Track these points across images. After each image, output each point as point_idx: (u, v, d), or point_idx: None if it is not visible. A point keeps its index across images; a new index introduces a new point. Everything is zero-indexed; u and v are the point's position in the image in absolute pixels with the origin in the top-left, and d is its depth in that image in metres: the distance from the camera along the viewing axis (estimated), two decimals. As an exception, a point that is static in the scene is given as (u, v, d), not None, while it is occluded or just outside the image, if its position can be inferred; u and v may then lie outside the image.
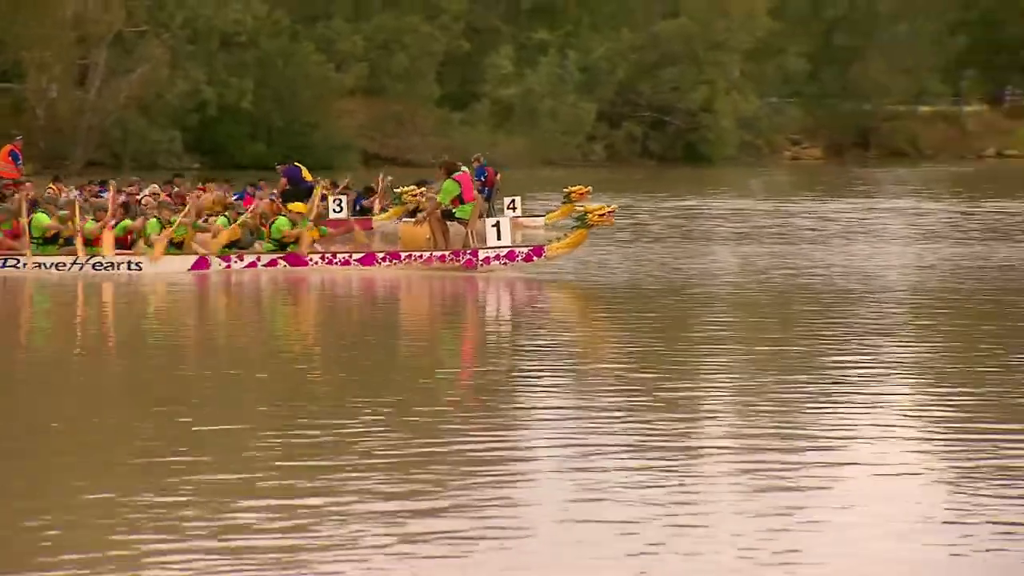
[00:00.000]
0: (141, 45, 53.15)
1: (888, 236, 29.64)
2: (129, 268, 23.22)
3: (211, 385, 12.97)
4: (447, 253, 23.63)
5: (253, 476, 9.16)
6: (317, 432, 10.49)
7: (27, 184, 29.91)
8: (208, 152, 54.64)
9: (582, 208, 23.98)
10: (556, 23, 69.12)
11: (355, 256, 23.76)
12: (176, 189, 28.76)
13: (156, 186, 28.93)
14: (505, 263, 23.52)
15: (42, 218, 23.60)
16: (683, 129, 68.82)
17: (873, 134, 77.66)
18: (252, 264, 23.39)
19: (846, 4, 78.24)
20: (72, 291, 21.58)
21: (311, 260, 23.48)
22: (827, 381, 12.81)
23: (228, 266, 23.38)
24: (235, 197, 28.38)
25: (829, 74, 77.01)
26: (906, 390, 12.70)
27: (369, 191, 30.50)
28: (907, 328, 16.81)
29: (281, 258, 23.36)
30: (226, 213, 24.63)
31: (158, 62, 52.53)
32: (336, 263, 23.56)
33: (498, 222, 23.89)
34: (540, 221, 30.95)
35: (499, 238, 23.71)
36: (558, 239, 23.85)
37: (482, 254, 23.61)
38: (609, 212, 22.90)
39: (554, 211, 31.15)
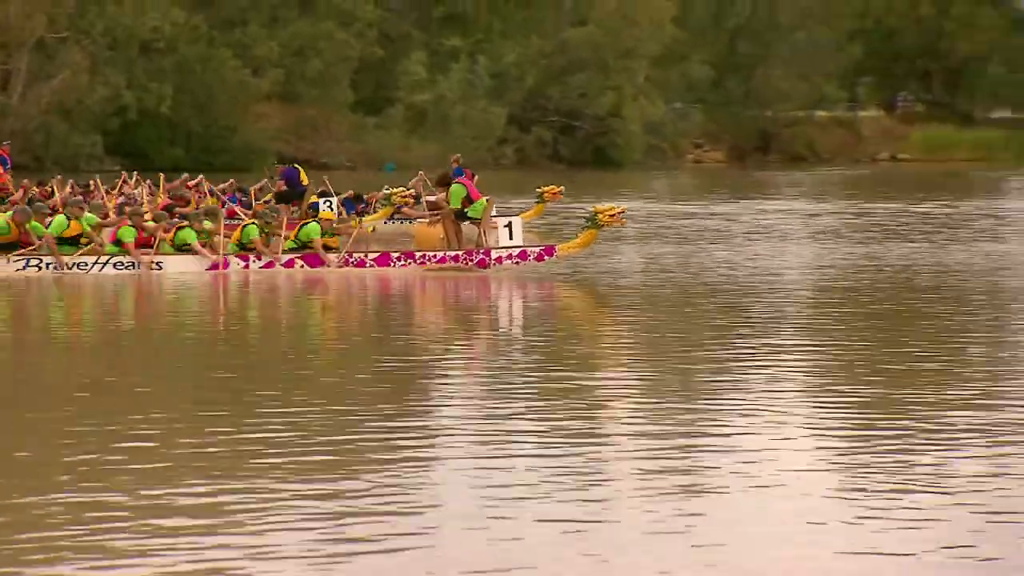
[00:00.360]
0: (62, 51, 54.30)
1: (787, 236, 30.22)
2: (150, 268, 23.26)
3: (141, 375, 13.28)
4: (461, 253, 23.73)
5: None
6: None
7: (25, 182, 30.39)
8: (128, 155, 55.61)
9: (592, 209, 23.56)
10: (467, 30, 70.58)
11: (371, 256, 23.79)
12: (180, 193, 29.32)
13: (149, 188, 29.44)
14: (517, 262, 23.60)
15: (61, 220, 23.56)
16: (591, 134, 70.42)
17: (773, 139, 79.70)
18: (270, 264, 23.39)
19: (748, 14, 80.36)
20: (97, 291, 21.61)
21: (328, 261, 23.56)
22: (729, 378, 12.98)
23: (246, 266, 23.39)
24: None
25: (732, 81, 79.23)
26: (806, 389, 12.68)
27: (358, 199, 30.75)
28: (807, 325, 17.19)
29: (299, 258, 23.46)
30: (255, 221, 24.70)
31: (79, 68, 53.74)
32: (352, 263, 23.53)
33: (510, 222, 23.94)
34: (347, 227, 31.35)
35: (511, 238, 23.84)
36: (570, 239, 23.98)
37: (495, 254, 23.71)
38: (619, 213, 22.95)
39: (528, 211, 31.27)
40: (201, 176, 31.47)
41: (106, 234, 23.76)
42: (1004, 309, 19.12)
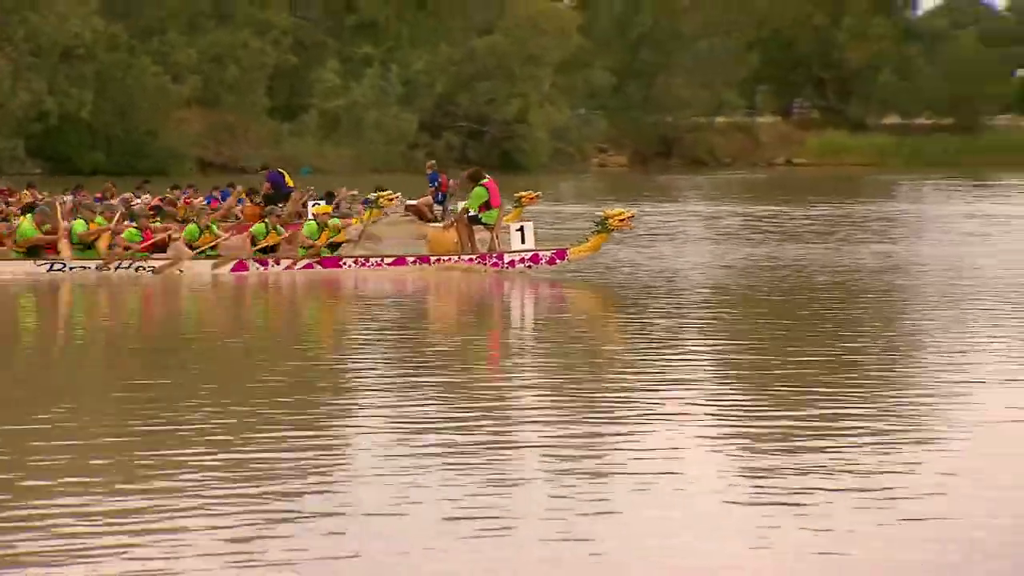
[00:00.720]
0: (-16, 57, 55.18)
1: (688, 237, 30.77)
2: (154, 271, 23.30)
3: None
4: (474, 256, 23.84)
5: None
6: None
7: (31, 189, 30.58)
8: (50, 159, 57.35)
9: (602, 214, 23.77)
10: (379, 39, 71.95)
11: (387, 259, 23.90)
12: (167, 196, 29.92)
13: (148, 196, 29.64)
14: (530, 266, 23.68)
15: (80, 224, 23.77)
16: (499, 138, 71.88)
17: (675, 144, 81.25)
18: (289, 267, 23.55)
19: (649, 23, 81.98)
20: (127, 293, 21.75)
21: (344, 263, 23.68)
22: (632, 374, 13.29)
23: (265, 268, 23.52)
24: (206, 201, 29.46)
25: (634, 88, 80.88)
26: (708, 387, 12.86)
27: (329, 196, 30.69)
28: (708, 323, 17.63)
29: (316, 261, 23.60)
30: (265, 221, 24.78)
31: (2, 73, 54.93)
32: (369, 265, 23.70)
33: (522, 227, 24.12)
34: (347, 221, 31.48)
35: (523, 242, 23.99)
36: (580, 243, 24.07)
37: (507, 257, 23.84)
38: (628, 217, 23.22)
39: (507, 214, 31.75)
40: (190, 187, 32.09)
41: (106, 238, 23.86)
42: (894, 306, 19.64)
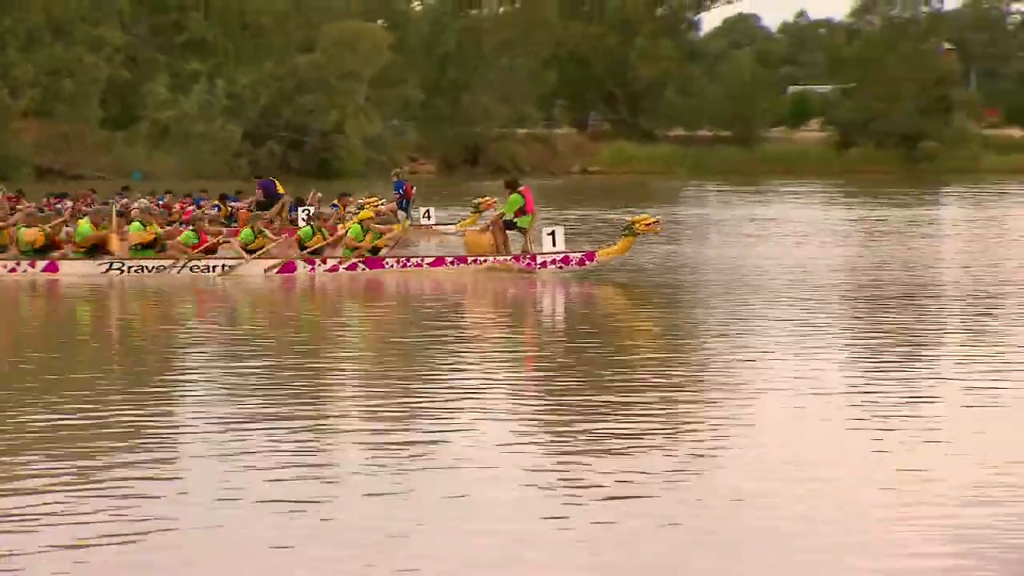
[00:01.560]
0: None
1: None
2: (223, 270, 23.69)
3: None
4: (509, 258, 24.10)
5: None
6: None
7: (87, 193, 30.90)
8: None
9: (630, 219, 24.19)
10: (206, 55, 73.92)
11: (427, 260, 24.27)
12: (164, 200, 31.17)
13: (145, 200, 30.06)
14: (560, 267, 23.84)
15: (136, 226, 24.26)
16: (318, 147, 73.68)
17: (480, 153, 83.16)
18: (334, 268, 23.77)
19: (454, 43, 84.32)
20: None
21: (387, 263, 23.97)
22: (419, 366, 14.47)
23: (312, 269, 23.74)
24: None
25: (442, 102, 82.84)
26: (500, 377, 13.83)
27: (299, 201, 30.86)
28: (503, 318, 19.00)
29: (361, 261, 23.82)
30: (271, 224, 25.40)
31: None
32: (410, 266, 23.95)
33: (553, 231, 24.37)
34: (452, 228, 31.51)
35: (554, 244, 24.16)
36: (608, 246, 24.57)
37: (540, 259, 24.00)
38: (655, 222, 23.79)
39: (466, 219, 31.54)
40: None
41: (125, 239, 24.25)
42: (681, 305, 20.65)
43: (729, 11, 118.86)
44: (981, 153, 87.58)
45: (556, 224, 26.08)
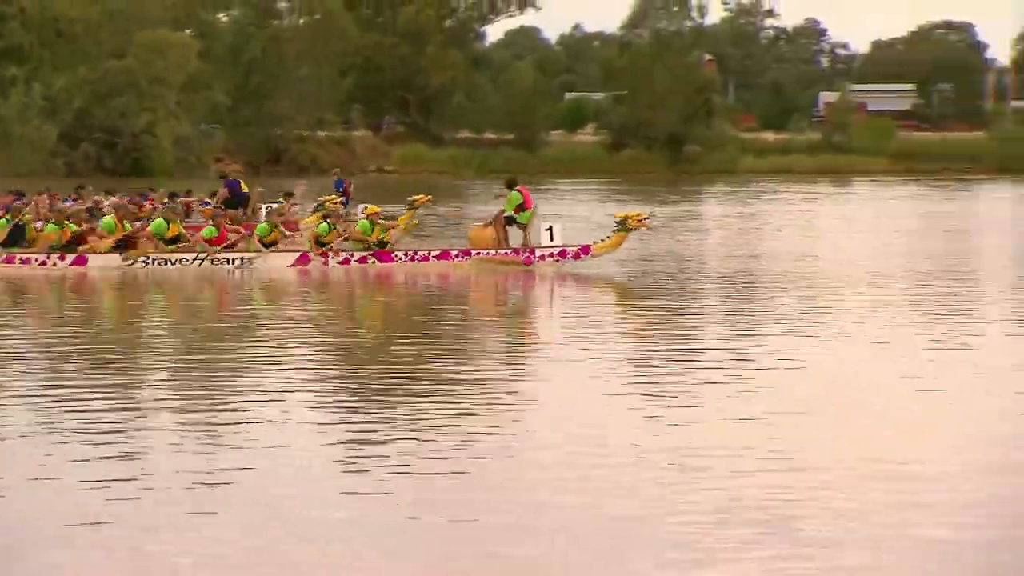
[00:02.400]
0: None
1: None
2: (241, 263, 23.71)
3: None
4: (510, 251, 24.23)
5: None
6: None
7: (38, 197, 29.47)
8: None
9: (621, 215, 24.47)
10: (23, 61, 74.32)
11: (434, 254, 24.28)
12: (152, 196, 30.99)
13: (116, 198, 30.01)
14: (558, 260, 23.95)
15: (161, 224, 24.29)
16: (130, 148, 74.33)
17: (283, 154, 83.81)
18: (346, 261, 23.85)
19: (259, 50, 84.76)
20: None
21: (396, 256, 24.03)
22: (248, 360, 14.71)
23: (325, 262, 23.74)
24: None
25: (246, 106, 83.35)
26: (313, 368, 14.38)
27: (288, 195, 30.83)
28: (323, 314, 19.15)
29: (371, 255, 23.93)
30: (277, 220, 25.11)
31: None
32: (417, 259, 23.98)
33: (551, 226, 24.52)
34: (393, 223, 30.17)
35: (552, 239, 24.32)
36: (602, 240, 24.61)
37: (539, 252, 24.11)
38: (646, 218, 24.09)
39: (403, 215, 30.15)
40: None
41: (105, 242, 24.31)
42: (464, 299, 21.34)
43: (512, 23, 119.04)
44: (739, 155, 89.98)
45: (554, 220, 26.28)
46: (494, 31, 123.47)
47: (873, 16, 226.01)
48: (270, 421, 11.39)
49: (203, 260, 23.47)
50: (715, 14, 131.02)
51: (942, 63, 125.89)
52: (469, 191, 60.91)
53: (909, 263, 27.04)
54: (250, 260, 23.62)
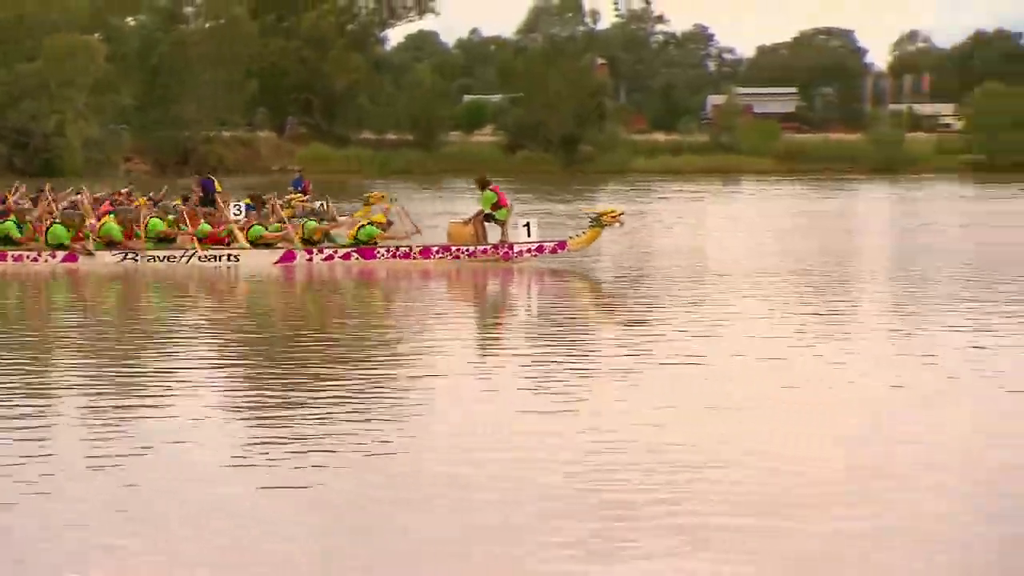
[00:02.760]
0: None
1: None
2: (228, 260, 23.68)
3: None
4: (489, 247, 24.25)
5: None
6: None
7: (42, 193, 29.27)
8: None
9: (595, 212, 24.77)
10: None
11: (416, 250, 24.15)
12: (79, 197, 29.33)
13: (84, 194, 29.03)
14: (535, 255, 24.08)
15: (156, 222, 24.35)
16: (40, 149, 74.59)
17: (191, 154, 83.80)
18: (330, 257, 23.78)
19: (166, 54, 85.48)
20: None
21: (379, 253, 23.86)
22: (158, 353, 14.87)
23: (310, 259, 23.66)
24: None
25: (154, 108, 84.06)
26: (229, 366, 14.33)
27: (257, 199, 29.81)
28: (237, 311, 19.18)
29: (355, 251, 23.84)
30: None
31: None
32: (399, 256, 23.88)
33: (528, 223, 24.57)
34: (348, 219, 29.85)
35: (529, 235, 24.31)
36: (577, 235, 24.89)
37: (517, 248, 24.19)
38: (620, 214, 24.14)
39: (357, 211, 30.48)
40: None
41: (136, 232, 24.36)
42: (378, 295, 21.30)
43: (411, 28, 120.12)
44: (631, 156, 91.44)
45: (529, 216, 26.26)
46: (394, 35, 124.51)
47: (758, 22, 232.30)
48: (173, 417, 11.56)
49: (191, 257, 23.41)
50: (607, 20, 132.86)
51: (824, 68, 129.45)
52: (370, 190, 60.06)
53: (788, 261, 27.02)
54: (236, 257, 23.54)
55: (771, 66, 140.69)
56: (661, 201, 55.19)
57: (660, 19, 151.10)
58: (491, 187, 24.97)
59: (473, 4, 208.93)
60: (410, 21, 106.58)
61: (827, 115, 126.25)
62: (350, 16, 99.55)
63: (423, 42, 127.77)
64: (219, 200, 27.49)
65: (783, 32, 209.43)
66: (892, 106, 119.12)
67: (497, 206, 24.60)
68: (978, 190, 66.81)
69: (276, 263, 23.46)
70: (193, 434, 10.83)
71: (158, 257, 23.49)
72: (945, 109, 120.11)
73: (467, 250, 23.99)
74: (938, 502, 9.26)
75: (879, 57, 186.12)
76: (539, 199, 52.34)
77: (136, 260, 23.51)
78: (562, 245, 24.22)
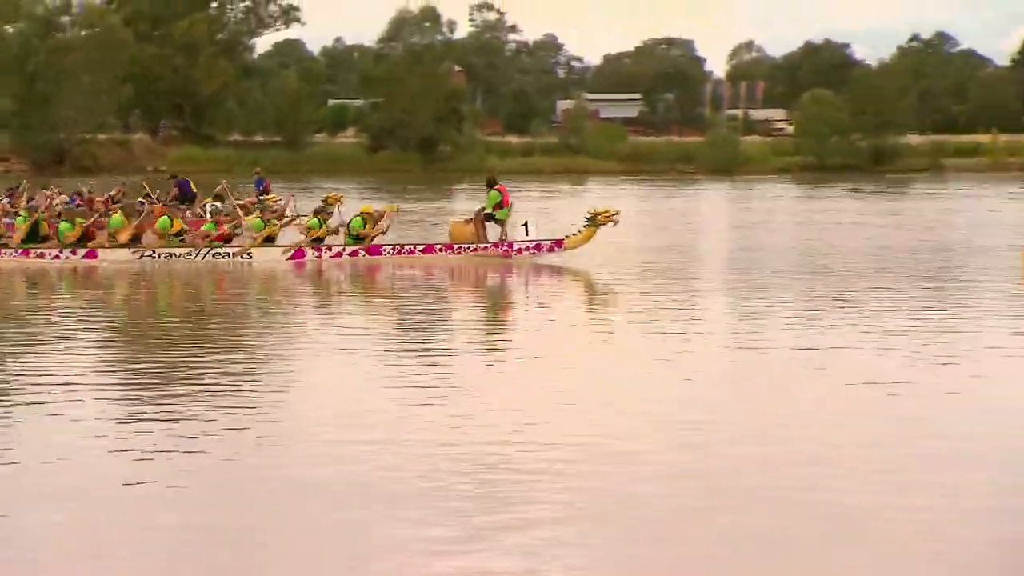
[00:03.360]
0: None
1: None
2: (241, 257, 23.69)
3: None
4: (489, 245, 24.24)
5: None
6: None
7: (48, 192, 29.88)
8: None
9: (590, 212, 24.57)
10: None
11: (419, 247, 24.16)
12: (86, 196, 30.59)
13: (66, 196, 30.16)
14: (534, 253, 24.07)
15: (166, 220, 24.60)
16: None
17: (67, 155, 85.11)
18: (338, 254, 23.75)
19: (44, 61, 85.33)
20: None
21: (384, 251, 23.93)
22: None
23: (319, 256, 23.69)
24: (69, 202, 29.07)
25: (32, 111, 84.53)
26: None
27: (218, 197, 30.36)
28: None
29: (362, 249, 23.88)
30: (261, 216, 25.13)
31: None
32: (404, 253, 23.83)
33: (526, 222, 24.70)
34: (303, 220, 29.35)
35: (527, 234, 24.36)
36: (574, 235, 24.64)
37: (516, 246, 24.23)
38: (614, 214, 24.12)
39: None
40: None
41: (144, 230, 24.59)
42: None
43: (278, 36, 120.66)
44: (486, 157, 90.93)
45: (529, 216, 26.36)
46: (262, 43, 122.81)
47: (604, 32, 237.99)
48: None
49: (206, 254, 23.45)
50: (463, 29, 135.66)
51: (665, 75, 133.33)
52: (244, 187, 60.53)
53: (641, 255, 27.21)
54: (249, 253, 23.64)
55: (616, 73, 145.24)
56: (514, 199, 56.73)
57: (513, 28, 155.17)
58: (497, 187, 24.79)
59: (336, 14, 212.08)
60: (277, 30, 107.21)
61: (668, 119, 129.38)
62: (220, 25, 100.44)
63: (289, 49, 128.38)
64: (199, 197, 27.80)
65: (628, 41, 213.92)
66: (729, 111, 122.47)
67: (499, 206, 24.42)
68: (808, 190, 68.99)
69: (288, 259, 23.50)
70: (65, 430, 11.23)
71: (174, 254, 23.48)
72: (777, 114, 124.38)
73: (469, 248, 24.00)
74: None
75: (717, 65, 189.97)
76: (398, 197, 52.89)
77: (153, 257, 23.56)
78: (559, 243, 24.30)
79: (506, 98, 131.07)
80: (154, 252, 23.63)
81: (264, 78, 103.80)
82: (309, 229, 24.44)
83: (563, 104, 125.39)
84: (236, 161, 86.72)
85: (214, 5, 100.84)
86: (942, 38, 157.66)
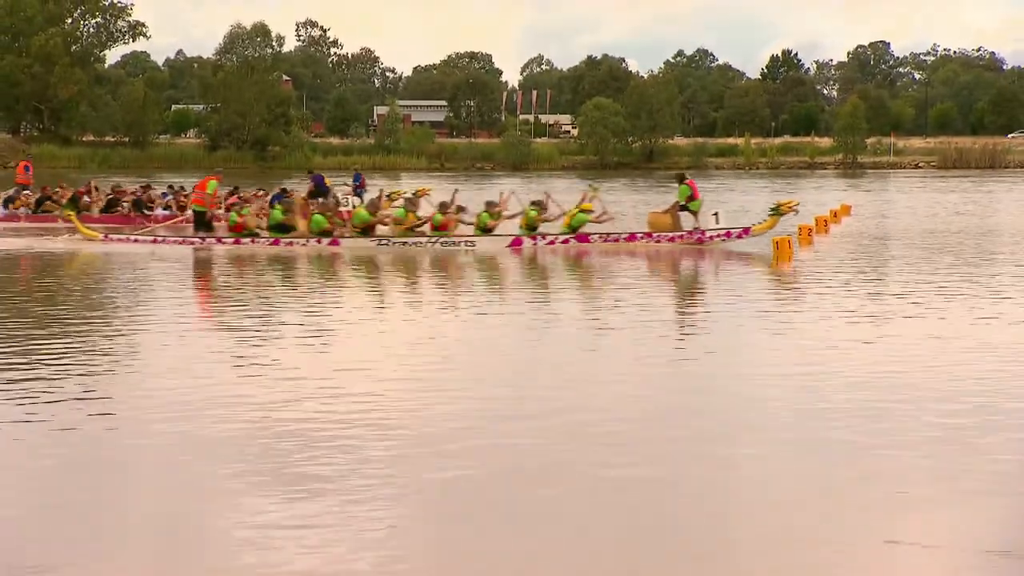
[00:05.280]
0: None
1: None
2: (465, 245, 23.09)
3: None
4: (685, 233, 23.83)
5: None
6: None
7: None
8: None
9: (775, 203, 24.04)
10: None
11: (623, 236, 23.55)
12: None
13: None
14: (724, 239, 23.53)
15: (363, 213, 24.03)
16: None
17: None
18: (552, 242, 23.23)
19: None
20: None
21: (592, 239, 23.45)
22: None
23: (535, 244, 23.22)
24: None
25: None
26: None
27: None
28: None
29: (572, 237, 23.43)
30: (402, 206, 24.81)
31: None
32: (610, 240, 23.39)
33: (716, 212, 24.24)
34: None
35: (718, 223, 23.88)
36: (760, 223, 24.19)
37: (708, 233, 23.72)
38: (796, 204, 23.66)
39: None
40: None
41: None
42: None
43: (126, 49, 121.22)
44: (311, 155, 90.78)
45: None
46: (112, 55, 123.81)
47: (414, 46, 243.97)
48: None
49: (434, 243, 23.15)
50: (291, 43, 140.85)
51: (468, 84, 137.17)
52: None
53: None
54: (472, 242, 23.29)
55: (425, 82, 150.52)
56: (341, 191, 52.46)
57: (335, 43, 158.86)
58: (686, 182, 24.75)
59: (178, 29, 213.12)
60: (125, 43, 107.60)
61: (470, 123, 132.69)
62: (75, 38, 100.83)
63: (136, 60, 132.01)
64: (335, 192, 27.90)
65: (435, 55, 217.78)
66: (522, 116, 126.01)
67: (691, 198, 24.40)
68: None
69: (507, 247, 23.32)
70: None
71: (407, 242, 23.24)
72: (564, 119, 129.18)
73: (667, 236, 23.82)
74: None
75: (512, 76, 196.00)
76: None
77: (388, 244, 23.30)
78: (747, 231, 24.04)
79: (329, 104, 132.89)
80: (388, 240, 23.50)
81: (114, 85, 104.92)
82: (528, 220, 24.09)
83: (379, 109, 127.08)
84: (89, 158, 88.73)
85: (69, 21, 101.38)
86: (703, 54, 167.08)
